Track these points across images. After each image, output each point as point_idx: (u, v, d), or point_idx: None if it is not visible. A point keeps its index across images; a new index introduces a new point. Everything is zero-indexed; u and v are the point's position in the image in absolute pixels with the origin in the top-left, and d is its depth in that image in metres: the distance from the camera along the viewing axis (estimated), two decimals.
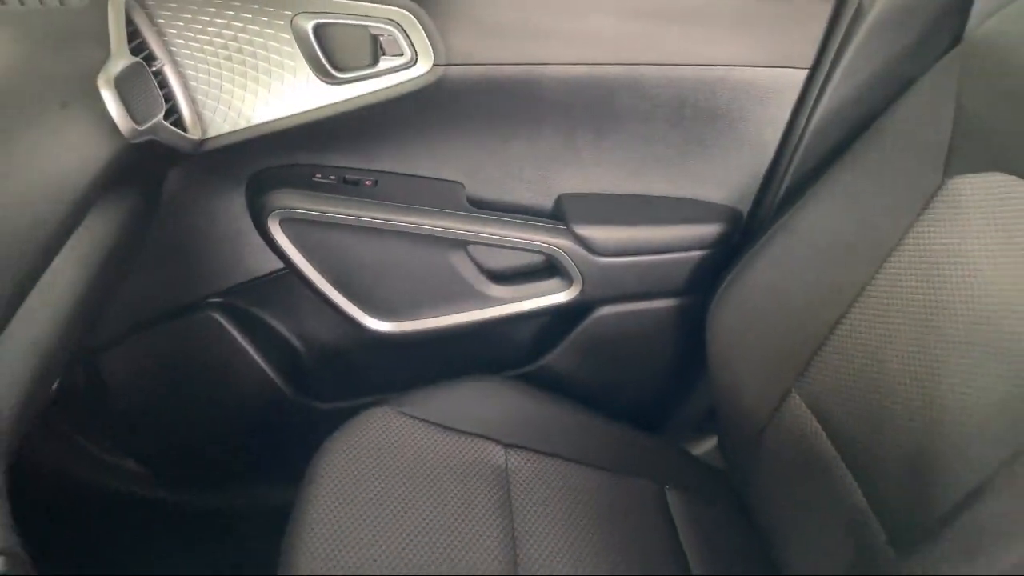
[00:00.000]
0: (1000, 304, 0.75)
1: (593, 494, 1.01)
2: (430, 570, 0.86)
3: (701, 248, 1.14)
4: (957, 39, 0.93)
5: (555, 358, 1.23)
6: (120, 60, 0.87)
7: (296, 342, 1.26)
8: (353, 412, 1.03)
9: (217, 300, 1.20)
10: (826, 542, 0.84)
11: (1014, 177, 0.78)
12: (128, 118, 0.85)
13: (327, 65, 1.01)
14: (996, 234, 0.78)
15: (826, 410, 0.89)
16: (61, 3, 0.88)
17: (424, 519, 0.92)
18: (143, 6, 0.96)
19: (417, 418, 1.03)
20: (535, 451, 1.04)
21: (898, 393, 0.80)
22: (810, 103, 1.04)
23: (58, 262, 0.77)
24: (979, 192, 0.81)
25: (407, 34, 1.00)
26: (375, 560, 0.85)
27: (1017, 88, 0.79)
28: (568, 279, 1.16)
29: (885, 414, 0.81)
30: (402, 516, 0.91)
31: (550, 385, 1.18)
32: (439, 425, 1.03)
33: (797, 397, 0.93)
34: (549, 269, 1.18)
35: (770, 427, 0.96)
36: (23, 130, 0.72)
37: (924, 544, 0.68)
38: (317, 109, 1.04)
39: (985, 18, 0.89)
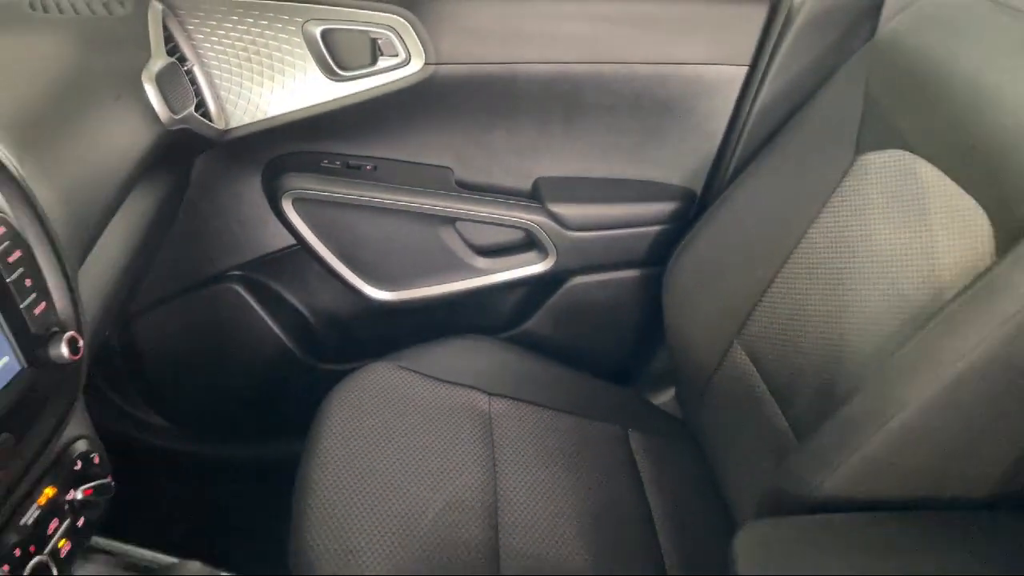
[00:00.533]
0: (894, 260, 0.89)
1: (564, 435, 1.15)
2: (422, 489, 1.00)
3: (660, 223, 1.29)
4: (871, 38, 1.08)
5: (534, 324, 1.38)
6: (159, 60, 1.02)
7: (305, 310, 1.41)
8: (351, 390, 1.18)
9: (236, 273, 1.35)
10: (756, 459, 0.99)
11: (908, 152, 0.92)
12: (167, 108, 1.00)
13: (332, 65, 1.17)
14: (893, 201, 0.92)
15: (760, 356, 1.03)
16: (109, 12, 1.03)
17: (417, 451, 1.06)
18: (175, 15, 1.12)
19: (413, 371, 1.18)
20: (515, 399, 1.17)
21: (815, 337, 0.94)
22: (751, 96, 1.19)
23: (111, 226, 0.92)
24: (881, 166, 0.95)
25: (401, 37, 1.15)
26: (375, 480, 1.00)
27: (910, 77, 0.93)
28: (544, 251, 1.31)
29: (803, 354, 0.96)
30: (398, 449, 1.06)
31: (530, 347, 1.33)
32: (431, 377, 1.18)
33: (738, 347, 1.08)
34: (527, 243, 1.33)
35: (716, 374, 1.11)
36: (87, 117, 0.87)
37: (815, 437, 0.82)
38: (324, 103, 1.19)
39: (890, 19, 1.05)
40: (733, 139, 1.23)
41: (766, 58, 1.17)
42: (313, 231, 1.29)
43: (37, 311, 0.62)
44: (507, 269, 1.33)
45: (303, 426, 1.10)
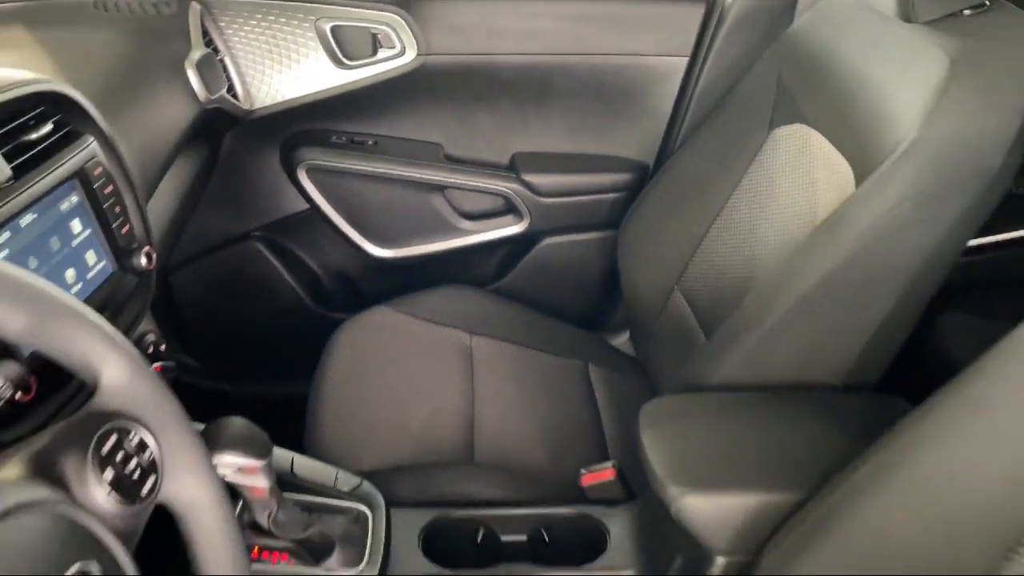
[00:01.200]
0: (790, 209, 1.09)
1: (533, 366, 1.34)
2: (412, 400, 1.21)
3: (617, 191, 1.50)
4: None
5: (512, 278, 1.59)
6: (198, 50, 1.24)
7: (315, 266, 1.62)
8: (356, 328, 1.38)
9: (258, 233, 1.57)
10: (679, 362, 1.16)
11: (806, 125, 1.13)
12: (204, 90, 1.21)
13: (340, 55, 1.38)
14: (793, 165, 1.13)
15: (694, 299, 1.22)
16: (158, 12, 1.25)
17: (409, 374, 1.27)
18: (211, 13, 1.33)
19: (407, 313, 1.39)
20: (492, 337, 1.37)
21: (732, 277, 1.13)
22: (692, 81, 1.40)
23: (165, 180, 1.14)
24: (787, 138, 1.16)
25: (397, 32, 1.37)
26: (373, 392, 1.21)
27: (809, 64, 1.13)
28: (520, 215, 1.52)
29: (723, 291, 1.15)
30: (393, 372, 1.27)
31: (510, 296, 1.54)
32: (423, 318, 1.39)
33: (677, 292, 1.28)
34: (506, 208, 1.54)
35: (660, 316, 1.30)
36: (147, 93, 1.09)
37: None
38: (333, 88, 1.41)
39: (800, 15, 1.25)
40: (678, 119, 1.44)
41: (704, 50, 1.38)
42: (324, 197, 1.51)
43: (124, 230, 0.84)
44: (488, 230, 1.54)
45: (311, 367, 1.30)
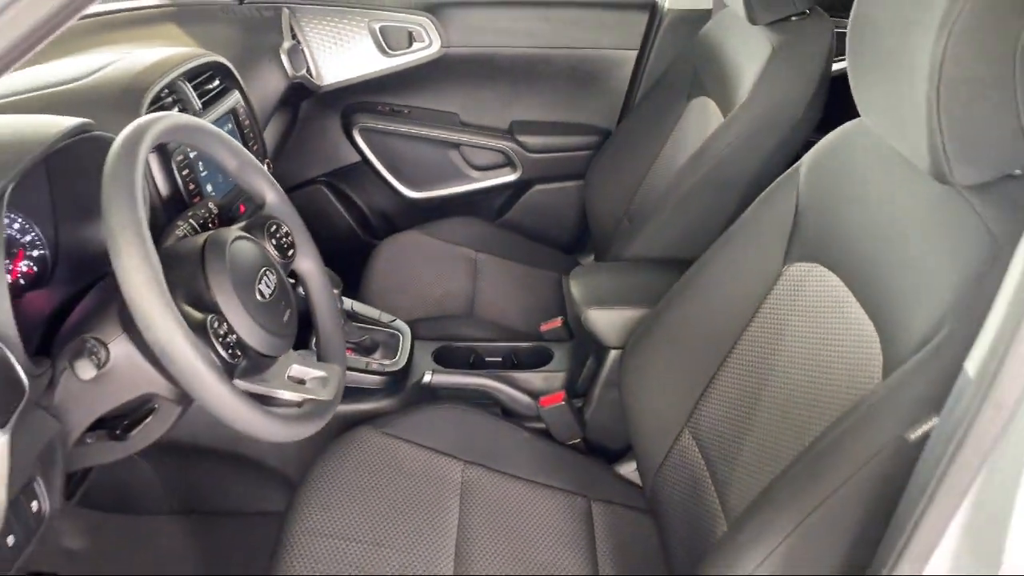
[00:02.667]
0: (687, 150, 1.52)
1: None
2: (428, 289, 1.63)
3: (586, 149, 1.97)
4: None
5: (509, 215, 2.07)
6: (288, 41, 1.74)
7: (363, 204, 2.12)
8: (395, 243, 1.83)
9: (322, 179, 2.07)
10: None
11: (706, 96, 1.58)
12: (292, 69, 1.72)
13: (385, 47, 1.88)
14: (697, 125, 1.58)
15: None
16: (260, 14, 1.75)
17: (428, 273, 1.74)
18: (295, 15, 1.83)
19: (429, 235, 1.87)
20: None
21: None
22: (641, 68, 1.88)
23: (267, 130, 1.64)
24: (695, 107, 1.61)
25: (427, 31, 1.86)
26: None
27: (711, 53, 1.57)
28: (515, 167, 2.00)
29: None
30: (417, 272, 1.74)
31: (508, 228, 2.01)
32: (440, 239, 1.86)
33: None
34: (505, 162, 2.02)
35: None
36: (255, 69, 1.59)
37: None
38: (380, 70, 1.90)
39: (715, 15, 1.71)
40: (631, 95, 1.92)
41: (648, 45, 1.86)
42: (371, 151, 2.00)
43: (254, 148, 1.34)
44: (491, 178, 2.03)
45: (360, 274, 1.72)
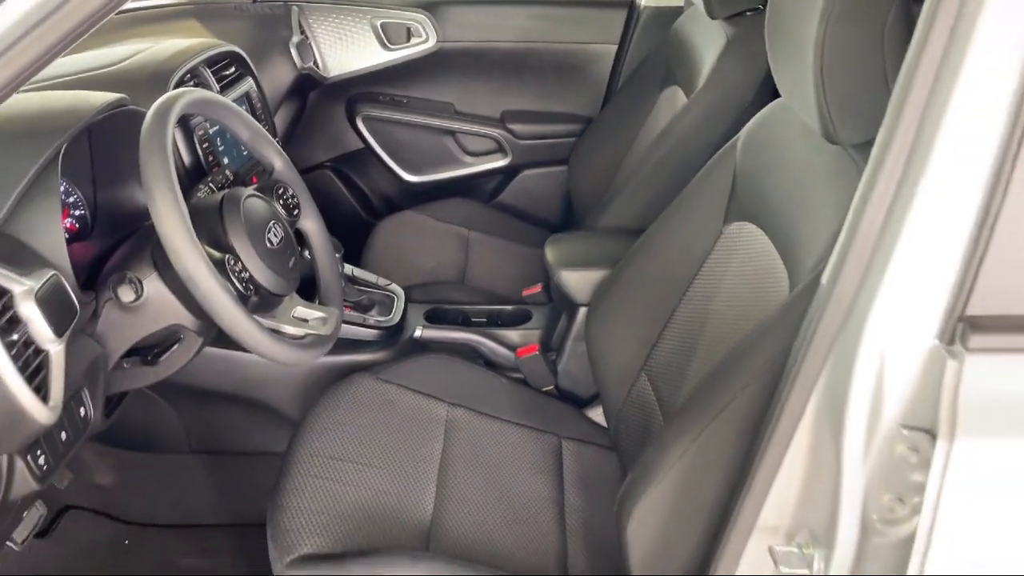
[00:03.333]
0: (657, 126, 1.67)
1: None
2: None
3: (570, 136, 2.12)
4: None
5: (500, 198, 2.22)
6: (296, 35, 1.90)
7: (365, 187, 2.27)
8: (393, 221, 1.98)
9: (328, 164, 2.22)
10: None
11: (676, 86, 1.72)
12: (300, 61, 1.87)
13: (386, 41, 2.03)
14: (666, 106, 1.73)
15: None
16: (271, 11, 1.91)
17: (421, 246, 1.89)
18: (303, 12, 1.99)
19: (424, 214, 2.02)
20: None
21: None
22: (621, 61, 2.02)
23: (278, 115, 1.79)
24: (668, 96, 1.75)
25: (424, 27, 2.01)
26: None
27: (680, 45, 1.72)
28: (505, 153, 2.15)
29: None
30: (412, 244, 1.89)
31: (500, 209, 2.16)
32: (435, 218, 2.01)
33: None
34: (496, 148, 2.17)
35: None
36: (267, 60, 1.74)
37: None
38: (381, 63, 2.05)
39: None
40: (613, 86, 2.06)
41: (627, 39, 2.00)
42: (373, 138, 2.15)
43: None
44: (484, 163, 2.18)
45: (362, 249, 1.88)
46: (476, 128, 2.13)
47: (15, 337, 0.79)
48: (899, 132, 0.63)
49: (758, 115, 1.16)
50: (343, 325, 1.34)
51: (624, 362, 1.24)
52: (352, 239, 1.80)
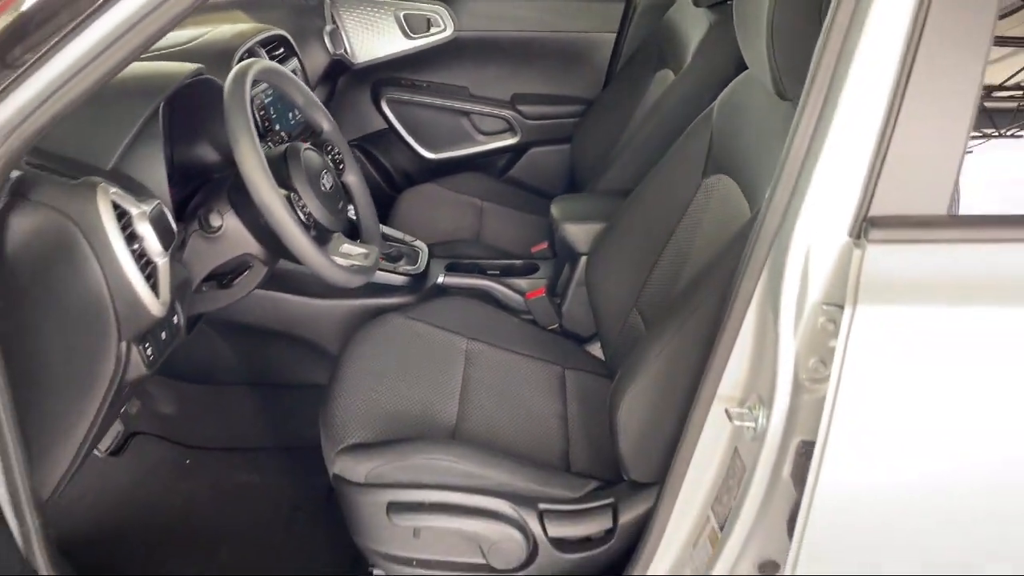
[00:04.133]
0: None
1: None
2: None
3: (573, 116, 2.32)
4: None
5: (512, 173, 2.42)
6: (329, 25, 2.10)
7: (387, 163, 2.48)
8: (414, 193, 2.19)
9: (355, 143, 2.43)
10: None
11: (668, 69, 1.92)
12: (332, 48, 2.08)
13: (408, 30, 2.23)
14: (657, 87, 1.93)
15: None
16: (307, 2, 2.12)
17: (436, 216, 2.09)
18: (335, 4, 2.19)
19: (441, 186, 2.21)
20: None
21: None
22: (620, 47, 2.22)
23: None
24: (661, 78, 1.95)
25: (442, 17, 2.21)
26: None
27: (673, 33, 1.91)
28: (515, 132, 2.36)
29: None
30: (429, 213, 2.09)
31: (510, 184, 2.36)
32: (450, 189, 2.20)
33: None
34: (506, 128, 2.37)
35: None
36: (305, 45, 1.95)
37: None
38: (403, 51, 2.26)
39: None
40: (612, 71, 2.26)
41: (625, 28, 2.20)
42: (396, 118, 2.36)
43: None
44: (495, 142, 2.38)
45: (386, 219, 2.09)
46: (488, 109, 2.34)
47: (135, 247, 0.99)
48: (819, 77, 0.83)
49: (730, 85, 1.36)
50: (377, 272, 1.54)
51: (619, 301, 1.41)
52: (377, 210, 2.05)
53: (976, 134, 2.13)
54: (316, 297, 1.62)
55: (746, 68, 1.63)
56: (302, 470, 1.66)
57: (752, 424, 0.93)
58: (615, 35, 2.23)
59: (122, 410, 1.46)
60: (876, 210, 0.84)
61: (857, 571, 0.96)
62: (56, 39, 0.84)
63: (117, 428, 1.39)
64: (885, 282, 0.82)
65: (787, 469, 0.92)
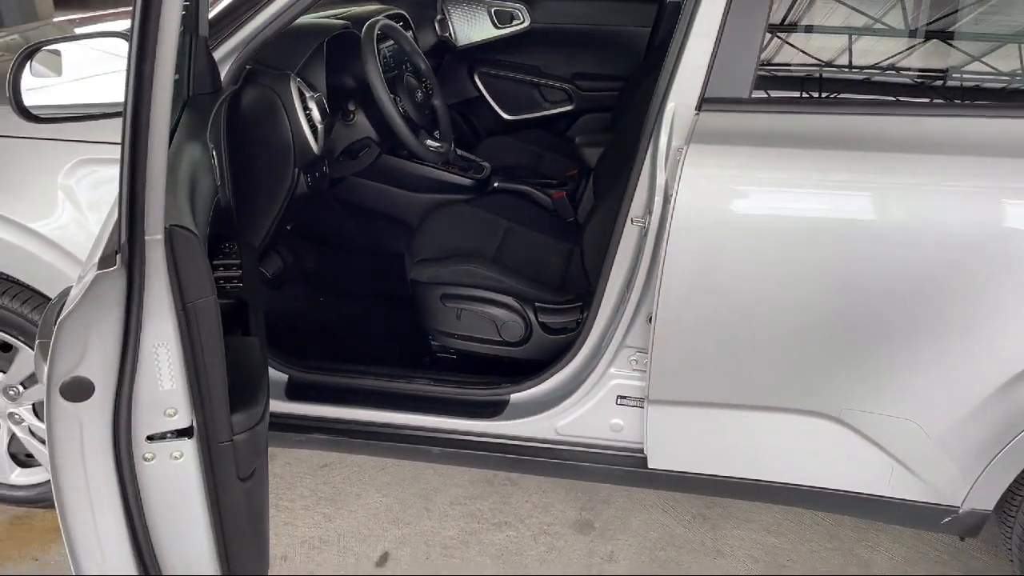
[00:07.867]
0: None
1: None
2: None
3: (614, 91, 2.92)
4: None
5: (570, 132, 3.06)
6: (438, 14, 2.81)
7: (476, 122, 3.16)
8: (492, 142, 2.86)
9: (454, 106, 3.13)
10: None
11: None
12: (440, 32, 2.79)
13: (496, 22, 2.91)
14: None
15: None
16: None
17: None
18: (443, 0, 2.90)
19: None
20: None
21: None
22: (654, 39, 2.82)
23: None
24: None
25: (521, 12, 2.88)
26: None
27: None
28: (572, 100, 2.99)
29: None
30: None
31: (570, 143, 2.99)
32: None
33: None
34: (567, 98, 3.00)
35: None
36: (419, 29, 2.66)
37: None
38: (492, 37, 2.92)
39: None
40: (648, 57, 2.86)
41: (658, 23, 2.80)
42: (484, 89, 3.03)
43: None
44: (558, 107, 3.02)
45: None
46: (553, 83, 2.98)
47: (307, 113, 1.71)
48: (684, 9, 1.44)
49: None
50: (452, 175, 2.24)
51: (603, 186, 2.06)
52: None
53: None
54: (411, 191, 2.32)
55: None
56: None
57: (643, 225, 1.53)
58: (650, 29, 2.83)
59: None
60: (709, 94, 1.43)
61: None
62: None
63: (279, 264, 2.12)
64: (708, 132, 1.41)
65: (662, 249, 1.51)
